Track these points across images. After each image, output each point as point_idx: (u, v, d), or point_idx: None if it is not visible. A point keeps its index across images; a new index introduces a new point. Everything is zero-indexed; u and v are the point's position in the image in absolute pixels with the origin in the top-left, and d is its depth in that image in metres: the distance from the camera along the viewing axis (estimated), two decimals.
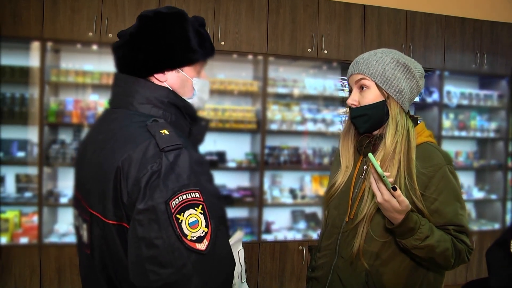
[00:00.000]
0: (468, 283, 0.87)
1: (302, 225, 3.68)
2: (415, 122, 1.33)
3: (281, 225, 3.68)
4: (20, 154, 3.17)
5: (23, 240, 3.00)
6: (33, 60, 3.06)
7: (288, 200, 3.61)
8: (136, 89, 1.03)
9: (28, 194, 3.15)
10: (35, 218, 3.05)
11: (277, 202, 3.58)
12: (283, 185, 3.72)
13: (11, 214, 3.06)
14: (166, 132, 0.93)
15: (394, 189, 1.08)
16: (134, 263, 0.88)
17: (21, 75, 3.09)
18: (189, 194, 0.89)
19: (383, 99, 1.26)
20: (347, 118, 1.37)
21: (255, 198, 3.47)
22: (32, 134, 3.13)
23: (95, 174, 0.99)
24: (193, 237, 0.88)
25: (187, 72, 1.07)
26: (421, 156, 1.24)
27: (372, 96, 1.26)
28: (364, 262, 1.22)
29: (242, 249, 1.14)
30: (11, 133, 3.15)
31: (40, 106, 3.01)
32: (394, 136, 1.22)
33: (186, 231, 0.87)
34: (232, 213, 3.59)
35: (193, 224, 0.88)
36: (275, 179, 3.72)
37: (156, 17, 1.03)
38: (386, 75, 1.25)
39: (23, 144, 3.19)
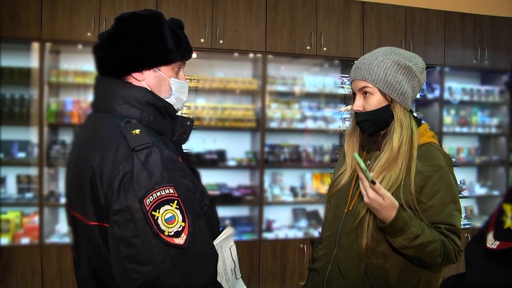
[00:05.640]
0: (447, 279, 0.86)
1: (303, 223, 3.67)
2: (418, 122, 1.35)
3: (282, 224, 3.68)
4: (21, 155, 3.18)
5: (25, 240, 3.02)
6: (33, 61, 3.07)
7: (289, 198, 3.60)
8: (114, 90, 1.05)
9: (29, 195, 3.16)
10: (36, 219, 3.06)
11: (278, 200, 3.57)
12: (283, 183, 3.71)
13: (12, 214, 3.07)
14: (137, 132, 0.94)
15: (373, 182, 1.11)
16: (115, 263, 0.89)
17: (21, 76, 3.10)
18: (163, 190, 0.90)
19: (387, 103, 1.28)
20: (352, 119, 1.40)
21: (256, 197, 3.46)
22: (32, 135, 3.14)
23: (74, 178, 1.03)
24: (170, 232, 0.88)
25: (164, 72, 1.09)
26: (423, 155, 1.26)
27: (375, 101, 1.28)
28: (372, 259, 1.23)
29: (234, 245, 1.14)
30: (11, 134, 3.16)
31: (40, 107, 3.02)
32: (400, 137, 1.25)
33: (163, 227, 0.88)
34: (233, 211, 3.59)
35: (170, 219, 0.89)
36: (275, 177, 3.71)
37: (133, 18, 1.06)
38: (388, 81, 1.26)
39: (24, 145, 3.20)
